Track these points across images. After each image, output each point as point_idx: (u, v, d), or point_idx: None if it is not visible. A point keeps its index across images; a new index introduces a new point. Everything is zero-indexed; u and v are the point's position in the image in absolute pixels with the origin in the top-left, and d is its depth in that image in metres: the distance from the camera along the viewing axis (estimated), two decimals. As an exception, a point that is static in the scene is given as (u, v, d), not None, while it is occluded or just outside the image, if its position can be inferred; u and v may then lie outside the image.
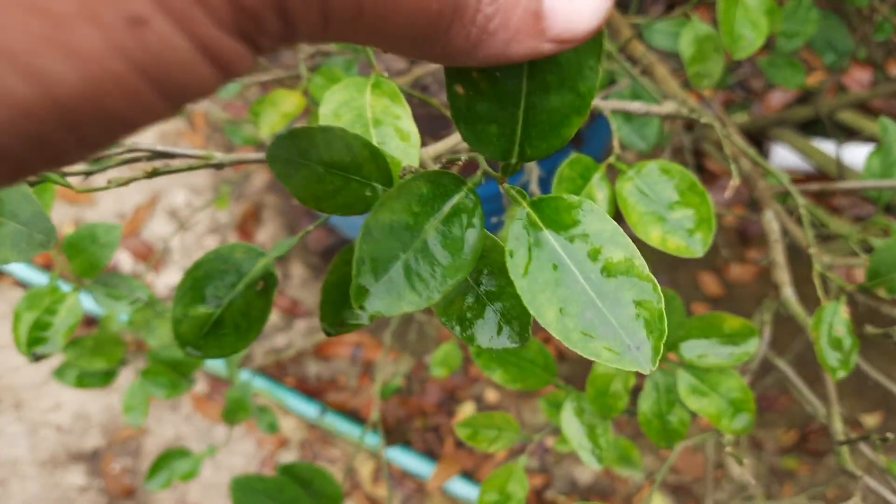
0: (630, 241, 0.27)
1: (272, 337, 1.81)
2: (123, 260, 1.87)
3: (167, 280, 1.86)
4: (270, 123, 0.64)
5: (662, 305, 0.26)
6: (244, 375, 1.69)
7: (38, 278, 1.78)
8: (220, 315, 0.44)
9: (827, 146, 1.66)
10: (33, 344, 0.61)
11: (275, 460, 1.72)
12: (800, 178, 1.81)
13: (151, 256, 1.87)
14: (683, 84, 0.89)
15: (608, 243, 0.27)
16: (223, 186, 1.49)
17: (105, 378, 0.87)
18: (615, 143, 0.51)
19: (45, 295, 0.62)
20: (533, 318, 0.29)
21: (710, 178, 1.83)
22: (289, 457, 1.72)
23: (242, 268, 0.44)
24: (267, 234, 1.92)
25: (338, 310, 0.34)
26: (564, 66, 0.25)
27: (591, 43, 0.24)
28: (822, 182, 1.84)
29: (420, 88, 1.32)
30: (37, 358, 0.61)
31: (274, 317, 1.83)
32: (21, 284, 1.83)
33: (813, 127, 1.74)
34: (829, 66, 0.91)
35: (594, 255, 0.27)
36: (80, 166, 0.42)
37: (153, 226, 1.92)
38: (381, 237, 0.26)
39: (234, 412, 0.87)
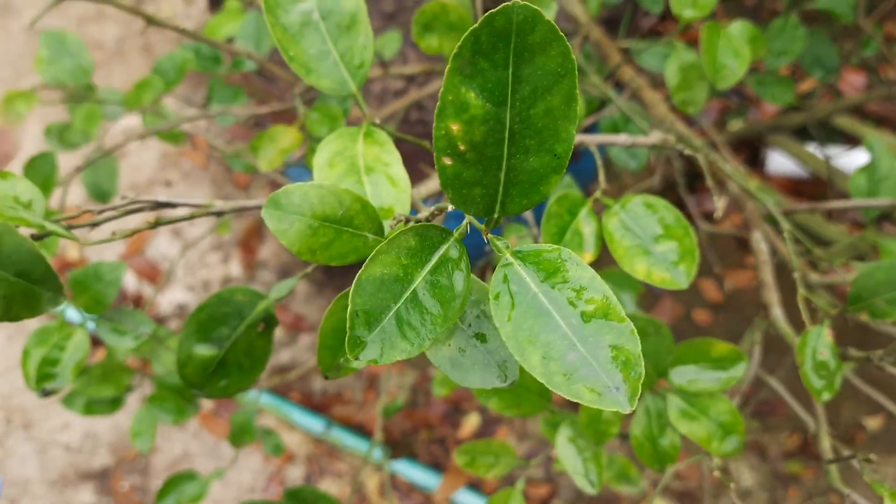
0: (607, 287, 0.29)
1: (277, 352, 1.83)
2: (128, 279, 1.89)
3: (171, 297, 1.88)
4: (269, 158, 0.66)
5: (639, 349, 0.28)
6: (251, 393, 1.70)
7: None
8: (224, 356, 0.45)
9: (821, 151, 1.68)
10: (42, 380, 0.62)
11: (282, 475, 1.73)
12: (790, 185, 1.82)
13: (155, 275, 1.89)
14: (672, 105, 0.91)
15: (587, 289, 0.29)
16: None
17: (112, 405, 0.89)
18: (601, 177, 0.52)
19: (53, 331, 0.64)
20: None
21: (704, 185, 1.84)
22: (295, 472, 1.73)
23: (244, 310, 0.46)
24: (269, 250, 1.93)
25: (335, 354, 0.35)
26: (542, 132, 0.27)
27: (567, 110, 0.26)
28: (816, 188, 1.84)
29: (417, 108, 1.34)
30: (46, 394, 0.63)
31: (278, 332, 1.85)
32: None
33: (808, 132, 1.76)
34: (819, 81, 0.92)
35: (574, 301, 0.29)
36: (84, 219, 0.44)
37: (157, 244, 1.94)
38: (373, 290, 0.27)
39: (240, 435, 0.88)
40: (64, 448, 1.75)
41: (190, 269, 1.91)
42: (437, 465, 1.70)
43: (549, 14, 0.58)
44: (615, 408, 0.26)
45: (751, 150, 1.90)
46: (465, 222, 0.31)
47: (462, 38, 0.24)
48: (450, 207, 0.35)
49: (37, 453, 1.75)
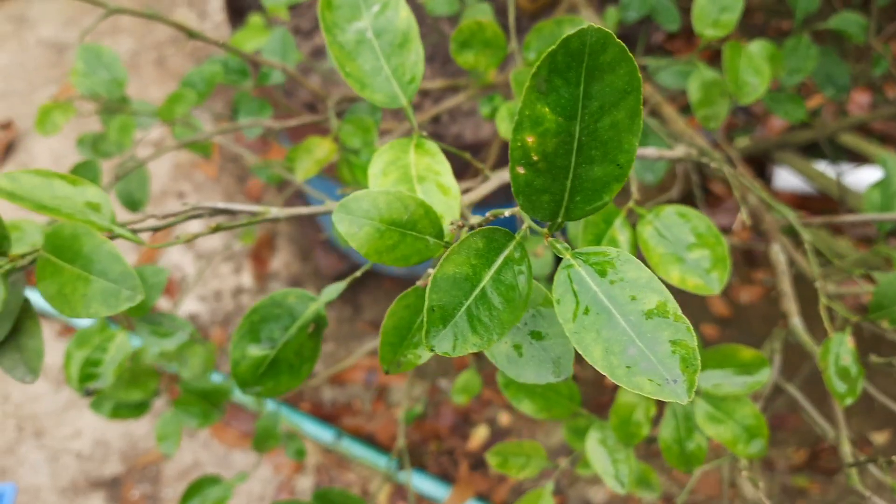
0: (664, 286, 0.31)
1: (288, 363, 1.84)
2: (141, 289, 1.91)
3: (183, 307, 1.90)
4: (305, 169, 0.68)
5: (696, 344, 0.30)
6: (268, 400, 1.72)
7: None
8: (276, 356, 0.47)
9: (828, 168, 1.70)
10: (85, 380, 0.64)
11: (291, 485, 1.75)
12: (797, 201, 1.85)
13: (169, 286, 1.91)
14: (690, 121, 0.93)
15: (645, 289, 0.31)
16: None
17: (139, 409, 0.91)
18: (633, 188, 0.54)
19: (94, 334, 0.66)
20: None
21: (715, 200, 1.87)
22: (305, 482, 1.75)
23: (295, 311, 0.48)
24: (281, 261, 1.96)
25: (396, 350, 0.38)
26: (608, 143, 0.29)
27: (631, 124, 0.28)
28: (823, 204, 1.87)
29: (432, 121, 1.37)
30: (88, 393, 0.65)
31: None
32: (39, 314, 1.87)
33: (815, 149, 1.78)
34: (830, 98, 0.95)
35: (633, 299, 0.31)
36: (149, 222, 0.46)
37: (169, 255, 1.96)
38: (447, 287, 0.29)
39: (264, 440, 0.90)
40: (75, 456, 1.77)
41: (202, 279, 1.93)
42: (447, 477, 1.72)
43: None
44: (674, 399, 0.28)
45: (757, 167, 1.93)
46: (525, 226, 0.33)
47: (541, 59, 0.27)
48: (506, 213, 0.37)
49: (48, 461, 1.76)
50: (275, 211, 0.46)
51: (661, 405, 0.60)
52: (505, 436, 1.78)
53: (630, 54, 0.27)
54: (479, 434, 1.79)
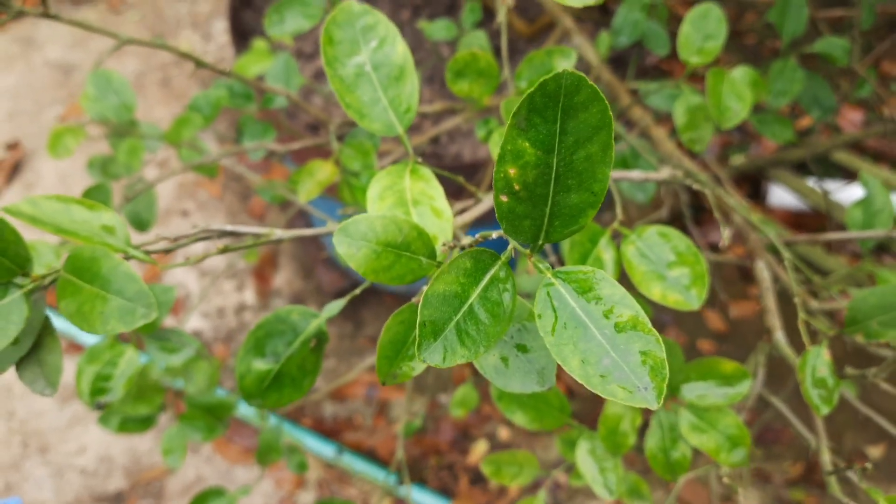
0: (635, 302, 0.34)
1: (290, 379, 1.87)
2: (145, 307, 1.93)
3: (187, 325, 1.93)
4: (307, 190, 0.71)
5: (664, 355, 0.33)
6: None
7: (63, 325, 1.85)
8: (280, 369, 0.50)
9: (820, 185, 1.73)
10: (96, 394, 0.67)
11: (293, 500, 1.76)
12: (791, 218, 1.88)
13: (176, 305, 1.94)
14: (679, 142, 0.96)
15: (618, 305, 0.34)
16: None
17: (145, 423, 0.93)
18: (618, 210, 0.57)
19: (105, 350, 0.69)
20: (555, 366, 0.36)
21: (709, 217, 1.90)
22: (307, 497, 1.76)
23: (298, 327, 0.51)
24: (283, 279, 1.98)
25: (392, 363, 0.40)
26: (583, 174, 0.32)
27: (603, 156, 0.31)
28: (817, 221, 1.90)
29: (431, 142, 1.40)
30: (99, 407, 0.68)
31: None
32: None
33: (809, 167, 1.81)
34: (816, 120, 0.98)
35: (607, 314, 0.34)
36: (160, 244, 0.49)
37: (173, 273, 1.99)
38: (438, 304, 0.32)
39: (266, 453, 0.93)
40: (79, 471, 1.79)
41: (206, 296, 1.96)
42: (446, 491, 1.74)
43: (571, 62, 0.64)
44: (644, 405, 0.31)
45: (752, 184, 1.96)
46: (510, 247, 0.36)
47: (520, 101, 0.30)
48: (494, 235, 0.40)
49: (53, 477, 1.79)
50: (279, 233, 0.49)
51: (647, 416, 0.62)
52: (504, 450, 1.80)
53: (601, 95, 0.30)
54: (479, 449, 1.81)
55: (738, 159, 1.98)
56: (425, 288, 0.34)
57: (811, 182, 1.75)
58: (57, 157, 0.86)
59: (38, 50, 2.34)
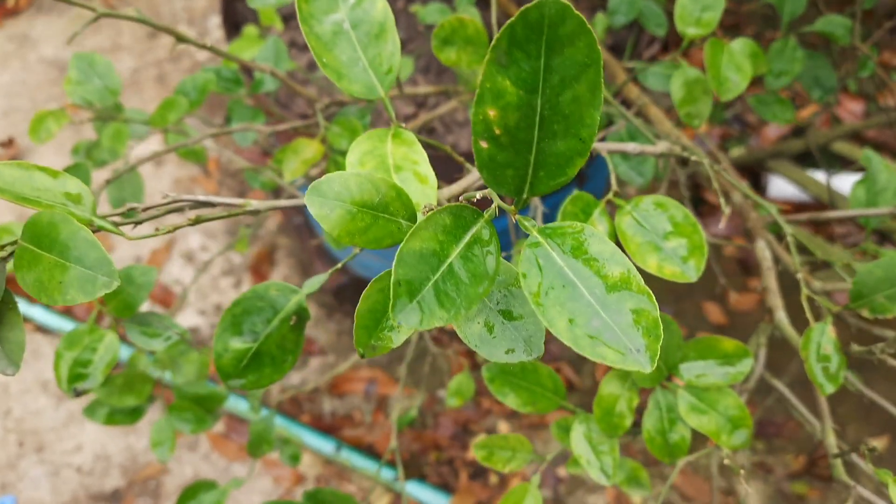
0: (627, 259, 0.32)
1: (287, 375, 1.85)
2: (141, 303, 1.91)
3: (183, 321, 1.91)
4: (292, 169, 0.69)
5: (657, 313, 0.31)
6: (264, 412, 1.72)
7: (58, 323, 1.83)
8: (258, 348, 0.48)
9: (822, 176, 1.71)
10: (74, 380, 0.65)
11: (292, 497, 1.74)
12: (791, 209, 1.85)
13: (168, 299, 1.92)
14: (677, 122, 0.94)
15: (609, 262, 0.32)
16: (242, 229, 1.54)
17: (134, 415, 0.91)
18: (612, 181, 0.55)
19: (83, 334, 0.66)
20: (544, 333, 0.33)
21: (710, 209, 1.87)
22: (305, 494, 1.74)
23: (277, 304, 0.48)
24: (280, 275, 1.96)
25: (370, 333, 0.38)
26: (570, 117, 0.30)
27: (592, 97, 0.29)
28: (818, 211, 1.88)
29: (427, 131, 1.37)
30: (77, 393, 0.65)
31: (288, 356, 1.87)
32: (41, 329, 1.88)
33: (808, 158, 1.79)
34: (816, 101, 0.96)
35: (597, 272, 0.31)
36: (129, 216, 0.47)
37: (170, 269, 1.97)
38: (414, 262, 0.30)
39: (258, 445, 0.90)
40: (76, 470, 1.77)
41: (202, 293, 1.94)
42: (447, 486, 1.72)
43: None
44: (637, 367, 0.29)
45: (752, 176, 1.94)
46: (493, 205, 0.34)
47: (500, 31, 0.27)
48: (478, 195, 0.38)
49: (49, 475, 1.76)
50: (255, 203, 0.47)
51: (644, 396, 0.60)
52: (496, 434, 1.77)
53: (589, 27, 0.28)
54: (479, 444, 1.79)
55: (737, 151, 1.95)
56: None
57: (813, 173, 1.73)
58: (39, 141, 0.84)
59: (33, 47, 2.32)
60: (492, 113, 0.28)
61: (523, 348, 0.35)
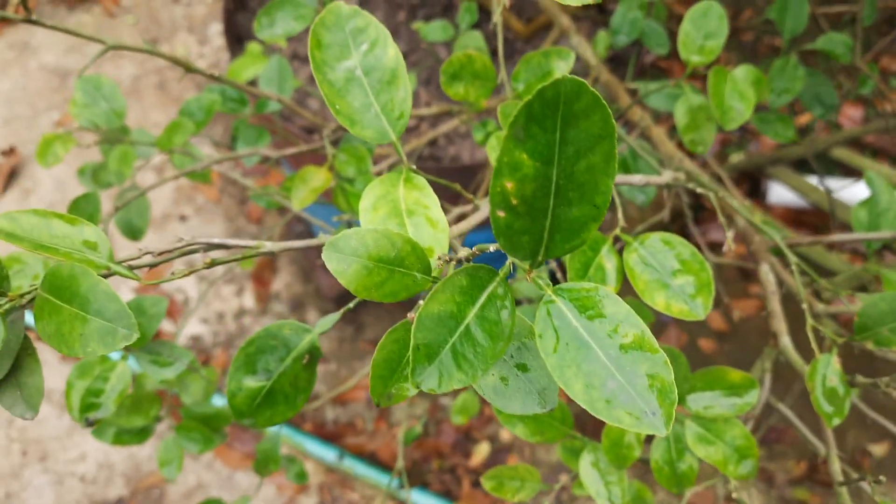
0: (641, 320, 0.32)
1: (289, 384, 1.85)
2: (143, 312, 1.92)
3: (186, 330, 1.91)
4: (301, 198, 0.69)
5: (672, 377, 0.31)
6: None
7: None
8: (272, 386, 0.48)
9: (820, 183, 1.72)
10: (86, 409, 0.66)
11: (295, 505, 1.75)
12: (791, 215, 1.86)
13: (172, 309, 1.92)
14: (679, 143, 0.95)
15: (623, 323, 0.32)
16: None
17: (141, 435, 0.91)
18: (620, 216, 0.56)
19: (95, 364, 0.67)
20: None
21: (708, 216, 1.88)
22: (308, 501, 1.75)
23: (290, 343, 0.49)
24: (282, 282, 1.97)
25: (386, 383, 0.39)
26: (584, 185, 0.30)
27: (606, 166, 0.29)
28: (817, 218, 1.88)
29: (430, 144, 1.38)
30: (89, 423, 0.66)
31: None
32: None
33: (808, 164, 1.80)
34: (818, 118, 0.96)
35: (611, 333, 0.32)
36: (145, 259, 0.47)
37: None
38: (432, 326, 0.31)
39: (265, 464, 0.91)
40: (79, 479, 1.77)
41: (204, 301, 1.94)
42: (449, 494, 1.72)
43: (569, 64, 0.62)
44: (652, 431, 0.29)
45: (752, 182, 1.95)
46: (508, 262, 0.34)
47: (517, 109, 0.28)
48: (491, 248, 0.38)
49: (53, 484, 1.77)
50: (269, 245, 0.47)
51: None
52: (506, 452, 1.78)
53: (603, 102, 0.28)
54: (481, 451, 1.80)
55: (736, 157, 1.96)
56: (420, 305, 0.32)
57: (811, 179, 1.74)
58: (46, 165, 0.84)
59: (34, 55, 2.32)
60: (509, 185, 0.29)
61: (537, 401, 0.36)
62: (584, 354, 0.31)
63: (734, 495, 0.58)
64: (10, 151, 2.11)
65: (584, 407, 0.30)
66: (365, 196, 0.45)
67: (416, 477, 1.75)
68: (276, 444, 0.92)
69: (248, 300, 1.95)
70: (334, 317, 0.49)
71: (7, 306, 0.41)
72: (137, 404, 0.89)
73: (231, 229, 2.04)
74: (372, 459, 1.76)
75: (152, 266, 0.47)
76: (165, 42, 2.29)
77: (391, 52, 0.47)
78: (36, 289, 0.41)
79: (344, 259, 0.36)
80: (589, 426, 1.36)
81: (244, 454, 1.80)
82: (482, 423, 1.83)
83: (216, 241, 0.47)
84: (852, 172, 1.76)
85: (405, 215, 0.44)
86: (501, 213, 0.30)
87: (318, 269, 1.93)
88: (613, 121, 0.29)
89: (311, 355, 0.49)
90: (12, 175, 2.09)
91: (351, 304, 0.47)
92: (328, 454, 1.72)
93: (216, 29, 2.34)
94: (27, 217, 0.44)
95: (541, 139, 0.29)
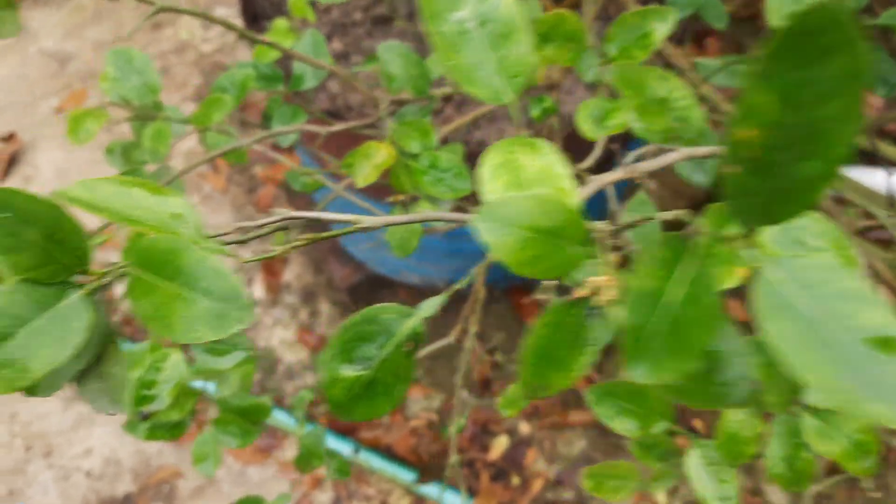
0: (883, 299, 0.27)
1: (302, 375, 1.81)
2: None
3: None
4: (364, 174, 0.64)
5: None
6: (278, 415, 1.69)
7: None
8: (373, 376, 0.44)
9: (855, 173, 1.68)
10: (140, 403, 0.60)
11: (309, 500, 1.71)
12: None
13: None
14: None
15: (863, 303, 0.27)
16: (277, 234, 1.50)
17: (176, 430, 0.86)
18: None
19: (146, 353, 0.62)
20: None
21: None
22: (323, 496, 1.71)
23: (391, 328, 0.44)
24: (292, 273, 1.92)
25: (542, 372, 0.34)
26: (825, 135, 0.26)
27: (851, 112, 0.25)
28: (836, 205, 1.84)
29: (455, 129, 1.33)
30: (144, 417, 0.61)
31: (302, 355, 1.83)
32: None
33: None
34: (883, 97, 0.92)
35: (851, 315, 0.27)
36: (234, 235, 0.42)
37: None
38: (640, 305, 0.26)
39: (308, 459, 0.86)
40: (85, 475, 1.72)
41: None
42: (468, 488, 1.69)
43: (668, 24, 0.57)
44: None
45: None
46: (708, 231, 0.30)
47: (764, 44, 0.23)
48: (655, 218, 0.33)
49: (58, 481, 1.72)
50: (368, 220, 0.42)
51: (767, 421, 0.56)
52: (525, 445, 1.74)
53: (858, 35, 0.23)
54: (499, 444, 1.76)
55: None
56: (587, 281, 0.27)
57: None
58: (78, 142, 0.79)
59: (32, 39, 2.25)
60: (745, 134, 0.24)
61: (743, 393, 0.31)
62: (822, 339, 0.26)
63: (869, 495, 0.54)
64: (10, 137, 2.04)
65: (823, 396, 0.25)
66: (483, 164, 0.40)
67: (434, 471, 1.71)
68: (321, 439, 0.87)
69: (259, 290, 1.90)
70: (440, 298, 0.44)
71: (93, 286, 0.35)
72: (174, 397, 0.84)
73: (239, 219, 1.98)
74: (388, 453, 1.72)
75: (242, 242, 0.42)
76: (169, 24, 2.23)
77: (507, 1, 0.42)
78: (124, 266, 0.36)
79: (501, 229, 0.31)
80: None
81: (256, 449, 1.76)
82: (500, 417, 1.79)
83: (311, 214, 0.42)
84: (872, 160, 1.73)
85: (528, 185, 0.40)
86: (733, 169, 0.25)
87: (330, 258, 1.87)
88: (867, 60, 0.24)
89: (414, 341, 0.45)
90: (12, 162, 2.02)
91: (464, 281, 0.42)
92: (344, 448, 1.68)
93: (221, 12, 2.27)
94: (104, 185, 0.39)
95: (787, 78, 0.24)
